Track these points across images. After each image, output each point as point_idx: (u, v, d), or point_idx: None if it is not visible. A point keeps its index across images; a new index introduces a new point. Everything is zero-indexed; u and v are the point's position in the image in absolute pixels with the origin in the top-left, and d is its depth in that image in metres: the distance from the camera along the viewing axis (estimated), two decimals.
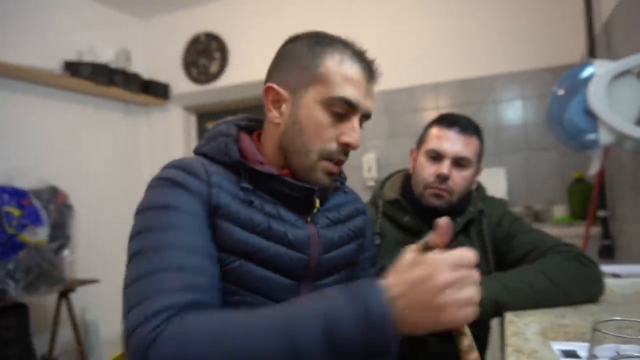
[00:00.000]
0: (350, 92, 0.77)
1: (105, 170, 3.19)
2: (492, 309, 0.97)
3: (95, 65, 2.91)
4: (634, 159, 1.78)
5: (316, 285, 0.81)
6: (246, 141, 0.82)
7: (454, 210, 1.18)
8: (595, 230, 2.27)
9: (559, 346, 0.75)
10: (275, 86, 0.80)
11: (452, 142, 1.15)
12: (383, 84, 3.42)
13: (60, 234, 2.30)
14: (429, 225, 1.19)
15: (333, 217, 0.87)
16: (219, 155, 0.79)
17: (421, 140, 1.23)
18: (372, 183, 2.90)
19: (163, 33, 3.61)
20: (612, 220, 2.26)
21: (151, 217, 0.70)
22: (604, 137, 1.51)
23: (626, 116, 1.51)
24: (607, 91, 1.50)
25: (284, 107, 0.80)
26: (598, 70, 1.53)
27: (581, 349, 0.72)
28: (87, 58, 2.93)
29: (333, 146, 0.78)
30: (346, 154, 0.81)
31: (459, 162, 1.15)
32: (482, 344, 1.24)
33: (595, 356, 0.44)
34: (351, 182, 3.63)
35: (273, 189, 0.79)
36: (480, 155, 1.20)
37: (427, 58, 2.89)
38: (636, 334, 0.47)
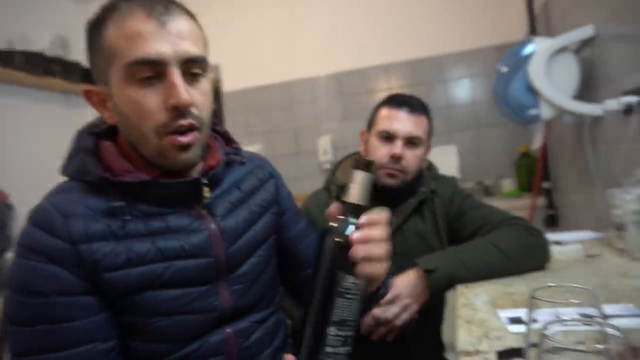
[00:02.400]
0: (141, 48, 0.63)
1: (48, 168, 3.01)
2: (447, 282, 1.00)
3: (29, 53, 2.72)
4: (573, 133, 1.88)
5: (234, 277, 0.75)
6: (108, 150, 0.71)
7: (407, 190, 1.20)
8: (541, 201, 2.39)
9: (506, 313, 0.78)
10: (91, 87, 0.71)
11: (403, 122, 1.16)
12: (335, 66, 3.38)
13: (1, 235, 2.17)
14: (383, 207, 1.22)
15: (234, 198, 0.78)
16: (80, 176, 0.69)
17: (371, 121, 1.23)
18: (328, 166, 2.91)
19: None
20: (555, 191, 2.38)
21: (23, 307, 0.63)
22: (545, 112, 1.58)
23: (565, 91, 1.58)
24: (546, 67, 1.56)
25: (109, 103, 0.70)
26: (538, 48, 1.59)
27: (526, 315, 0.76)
28: (19, 46, 2.74)
29: (163, 117, 0.65)
30: (179, 115, 0.66)
31: (410, 142, 1.17)
32: (438, 316, 1.28)
33: (535, 321, 0.46)
34: (307, 166, 3.59)
35: (155, 196, 0.69)
36: (429, 133, 1.22)
37: (377, 39, 2.90)
38: (573, 297, 0.49)
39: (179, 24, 0.66)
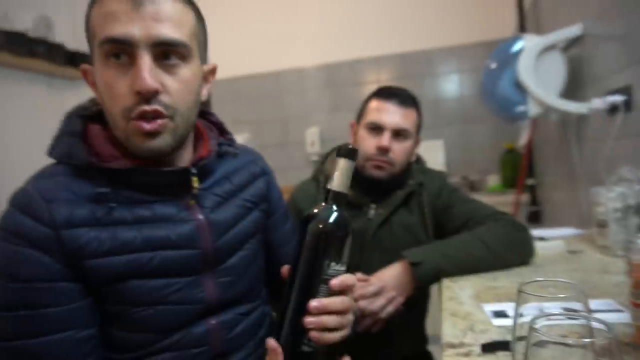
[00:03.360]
0: (111, 28, 0.62)
1: (30, 152, 2.95)
2: (432, 276, 1.01)
3: (11, 33, 2.64)
4: (558, 130, 1.90)
5: (221, 269, 0.74)
6: (95, 134, 0.70)
7: (395, 183, 1.20)
8: (525, 197, 2.42)
9: (490, 307, 0.79)
10: (85, 66, 0.70)
11: (391, 115, 1.16)
12: (325, 57, 3.37)
13: None
14: (371, 199, 1.23)
15: (224, 191, 0.77)
16: (67, 160, 0.68)
17: (361, 113, 1.23)
18: (315, 158, 2.91)
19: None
20: (539, 187, 2.41)
21: (2, 292, 0.62)
22: (532, 109, 1.59)
23: (552, 89, 1.59)
24: (535, 65, 1.57)
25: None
26: (527, 45, 1.60)
27: (510, 309, 0.76)
28: (1, 25, 2.65)
29: (129, 101, 0.64)
30: (148, 101, 0.64)
31: (398, 134, 1.17)
32: (422, 308, 1.29)
33: (521, 315, 0.46)
34: (294, 157, 3.58)
35: (141, 184, 0.68)
36: (418, 126, 1.22)
37: (368, 31, 2.89)
38: (559, 292, 0.50)
39: (158, 5, 0.63)
